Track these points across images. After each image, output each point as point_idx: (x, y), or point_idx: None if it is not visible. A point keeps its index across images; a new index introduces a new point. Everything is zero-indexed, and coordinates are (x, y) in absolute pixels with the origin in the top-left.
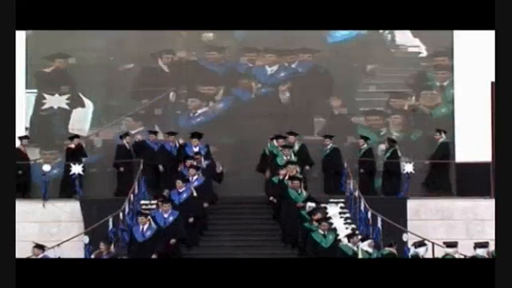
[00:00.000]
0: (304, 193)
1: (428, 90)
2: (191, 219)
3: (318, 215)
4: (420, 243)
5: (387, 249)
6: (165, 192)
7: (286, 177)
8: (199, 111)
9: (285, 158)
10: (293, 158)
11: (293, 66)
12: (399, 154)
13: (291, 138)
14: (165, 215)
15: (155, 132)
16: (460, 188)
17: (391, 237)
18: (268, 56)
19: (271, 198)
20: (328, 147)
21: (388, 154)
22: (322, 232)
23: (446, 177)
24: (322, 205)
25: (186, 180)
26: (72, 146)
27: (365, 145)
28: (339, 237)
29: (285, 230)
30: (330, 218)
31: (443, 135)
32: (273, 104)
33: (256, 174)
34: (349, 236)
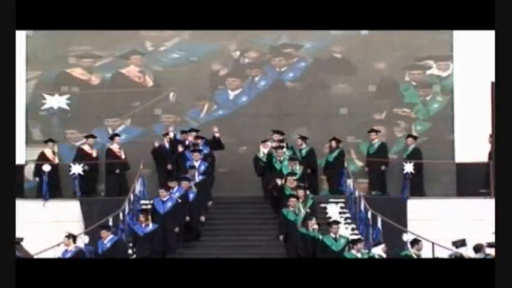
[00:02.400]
0: (302, 212)
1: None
2: (176, 229)
3: (313, 221)
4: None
5: (409, 251)
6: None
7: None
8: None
9: (279, 159)
10: (287, 154)
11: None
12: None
13: (298, 141)
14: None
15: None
16: (460, 188)
17: (392, 237)
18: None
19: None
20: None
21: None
22: (333, 236)
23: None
24: (322, 205)
25: (169, 188)
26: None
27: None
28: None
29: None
30: (339, 222)
31: (378, 135)
32: (273, 104)
33: (256, 174)
34: (352, 243)
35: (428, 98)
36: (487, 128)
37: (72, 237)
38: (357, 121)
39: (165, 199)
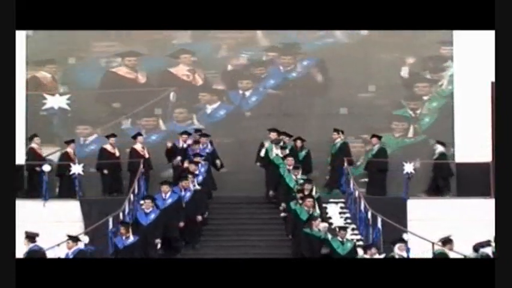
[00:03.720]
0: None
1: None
2: (158, 240)
3: (318, 221)
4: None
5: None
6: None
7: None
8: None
9: (276, 153)
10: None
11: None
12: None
13: (298, 142)
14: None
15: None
16: (460, 188)
17: (391, 236)
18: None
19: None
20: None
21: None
22: (340, 239)
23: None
24: (323, 205)
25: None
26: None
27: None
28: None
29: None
30: (347, 227)
31: (341, 135)
32: (273, 104)
33: (256, 174)
34: (365, 248)
35: (426, 97)
36: (487, 128)
37: (74, 238)
38: (357, 121)
39: (148, 211)
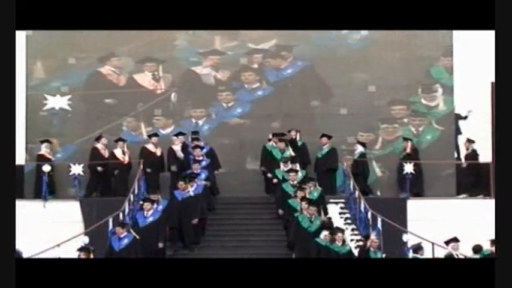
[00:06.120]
0: (318, 221)
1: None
2: (161, 245)
3: (339, 234)
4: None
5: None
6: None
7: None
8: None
9: (280, 152)
10: (291, 152)
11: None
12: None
13: (293, 133)
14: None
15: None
16: (460, 188)
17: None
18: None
19: (280, 212)
20: (325, 147)
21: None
22: (338, 244)
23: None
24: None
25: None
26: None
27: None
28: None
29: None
30: (343, 230)
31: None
32: (273, 104)
33: (256, 174)
34: (365, 238)
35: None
36: (487, 128)
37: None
38: (357, 121)
39: (148, 213)
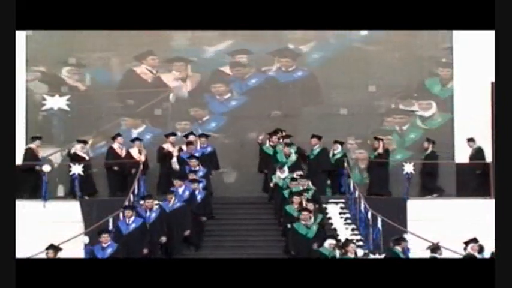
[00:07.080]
0: (315, 227)
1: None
2: (146, 251)
3: (350, 246)
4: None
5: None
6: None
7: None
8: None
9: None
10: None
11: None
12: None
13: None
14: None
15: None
16: (460, 188)
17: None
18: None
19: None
20: (316, 147)
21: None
22: (351, 256)
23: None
24: (322, 205)
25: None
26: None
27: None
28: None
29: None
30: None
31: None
32: (273, 104)
33: (256, 175)
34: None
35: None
36: (487, 128)
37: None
38: (357, 121)
39: (130, 220)
